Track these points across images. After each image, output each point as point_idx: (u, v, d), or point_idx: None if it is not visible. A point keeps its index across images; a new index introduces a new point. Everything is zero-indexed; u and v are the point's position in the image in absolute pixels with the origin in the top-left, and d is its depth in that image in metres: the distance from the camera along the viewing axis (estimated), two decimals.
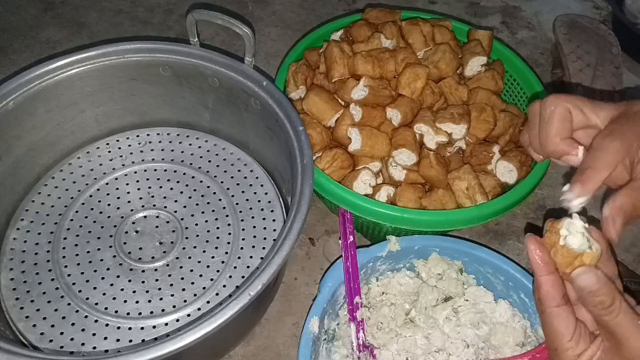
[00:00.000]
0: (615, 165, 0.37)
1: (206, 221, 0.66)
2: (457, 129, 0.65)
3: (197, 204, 0.67)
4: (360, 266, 0.57)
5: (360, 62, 0.66)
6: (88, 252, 0.63)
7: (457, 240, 0.60)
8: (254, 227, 0.66)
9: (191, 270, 0.62)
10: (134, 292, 0.60)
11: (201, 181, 0.70)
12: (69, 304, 0.59)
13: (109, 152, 0.72)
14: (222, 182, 0.70)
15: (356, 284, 0.57)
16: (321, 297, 0.55)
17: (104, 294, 0.60)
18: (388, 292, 0.61)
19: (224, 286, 0.61)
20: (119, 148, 0.73)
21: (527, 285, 0.57)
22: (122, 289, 0.60)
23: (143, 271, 0.62)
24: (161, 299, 0.60)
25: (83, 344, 0.56)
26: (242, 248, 0.64)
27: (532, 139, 0.43)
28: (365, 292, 0.61)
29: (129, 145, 0.73)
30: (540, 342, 0.56)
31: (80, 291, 0.60)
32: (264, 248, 0.64)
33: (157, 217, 0.66)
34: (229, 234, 0.65)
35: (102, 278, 0.61)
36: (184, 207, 0.67)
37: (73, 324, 0.57)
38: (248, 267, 0.62)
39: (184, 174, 0.70)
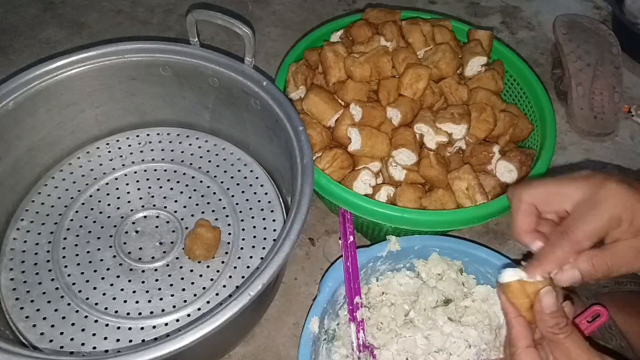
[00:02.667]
0: (560, 264, 0.42)
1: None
2: (457, 129, 0.65)
3: (197, 204, 0.67)
4: (360, 266, 0.57)
5: (354, 67, 0.66)
6: (88, 252, 0.63)
7: (457, 240, 0.60)
8: (254, 227, 0.66)
9: (191, 270, 0.62)
10: (134, 292, 0.60)
11: (201, 181, 0.70)
12: (69, 304, 0.59)
13: (109, 152, 0.72)
14: (222, 182, 0.70)
15: (356, 284, 0.57)
16: (321, 297, 0.55)
17: (104, 294, 0.60)
18: (388, 292, 0.61)
19: (224, 286, 0.61)
20: (119, 148, 0.73)
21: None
22: (122, 289, 0.60)
23: (143, 271, 0.62)
24: (161, 299, 0.60)
25: (83, 344, 0.56)
26: (242, 248, 0.64)
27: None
28: (365, 292, 0.61)
29: (129, 145, 0.73)
30: None
31: (80, 291, 0.60)
32: (264, 248, 0.64)
33: (157, 217, 0.66)
34: (229, 234, 0.65)
35: (102, 278, 0.61)
36: (184, 207, 0.67)
37: (73, 324, 0.57)
38: (248, 267, 0.62)
39: (184, 174, 0.70)
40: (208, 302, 0.60)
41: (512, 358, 0.43)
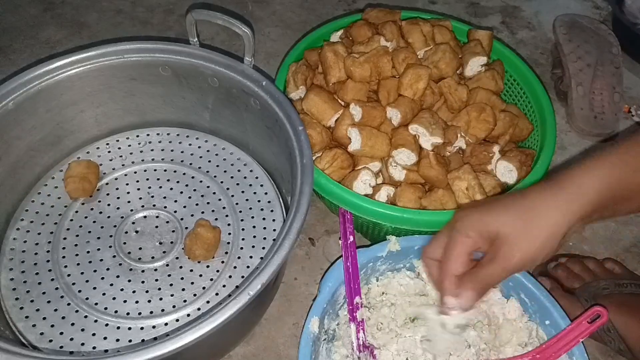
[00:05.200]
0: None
1: None
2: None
3: (197, 204, 0.67)
4: (360, 266, 0.57)
5: (354, 67, 0.66)
6: (88, 252, 0.63)
7: None
8: (254, 227, 0.66)
9: (191, 270, 0.62)
10: (134, 292, 0.60)
11: (201, 181, 0.70)
12: (68, 304, 0.59)
13: (109, 152, 0.72)
14: (222, 182, 0.70)
15: (356, 284, 0.56)
16: (321, 297, 0.55)
17: (104, 294, 0.60)
18: (388, 292, 0.61)
19: (224, 286, 0.61)
20: (119, 148, 0.73)
21: (527, 286, 0.57)
22: (121, 289, 0.60)
23: (143, 271, 0.62)
24: (161, 299, 0.60)
25: (83, 344, 0.56)
26: (242, 248, 0.64)
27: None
28: (365, 292, 0.61)
29: (129, 145, 0.73)
30: (541, 342, 0.56)
31: (80, 291, 0.60)
32: (263, 248, 0.64)
33: (157, 217, 0.66)
34: (229, 234, 0.65)
35: (102, 278, 0.61)
36: (184, 207, 0.67)
37: (73, 324, 0.57)
38: (248, 267, 0.62)
39: (184, 174, 0.70)
40: (208, 302, 0.60)
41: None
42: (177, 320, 0.58)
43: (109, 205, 0.67)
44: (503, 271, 0.46)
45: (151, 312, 0.59)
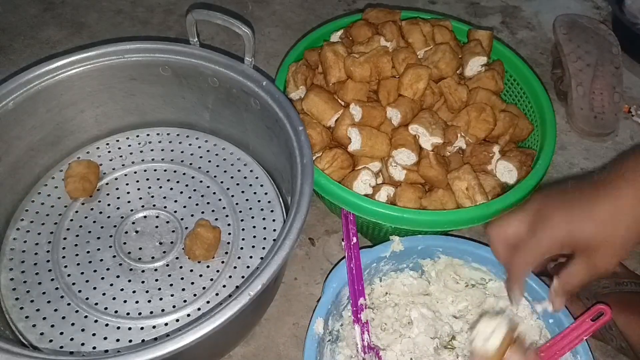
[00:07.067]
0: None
1: None
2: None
3: (197, 204, 0.67)
4: (363, 267, 0.57)
5: (354, 67, 0.66)
6: (88, 252, 0.63)
7: (461, 239, 0.60)
8: (254, 227, 0.66)
9: (191, 270, 0.62)
10: (134, 292, 0.60)
11: (201, 181, 0.70)
12: (68, 304, 0.59)
13: (109, 152, 0.72)
14: (222, 182, 0.70)
15: (360, 285, 0.56)
16: (325, 298, 0.55)
17: (104, 294, 0.60)
18: (392, 293, 0.61)
19: (224, 286, 0.61)
20: (119, 148, 0.73)
21: (530, 285, 0.57)
22: (122, 289, 0.60)
23: (143, 271, 0.62)
24: (161, 299, 0.60)
25: (83, 344, 0.56)
26: (242, 248, 0.64)
27: None
28: (368, 292, 0.61)
29: (129, 145, 0.73)
30: (546, 341, 0.56)
31: (80, 291, 0.60)
32: (264, 248, 0.64)
33: (157, 217, 0.66)
34: (229, 234, 0.65)
35: (102, 278, 0.61)
36: (184, 207, 0.67)
37: (73, 324, 0.57)
38: (248, 267, 0.62)
39: (184, 174, 0.70)
40: (208, 302, 0.60)
41: None
42: (177, 320, 0.58)
43: (109, 205, 0.67)
44: (589, 276, 0.47)
45: (151, 312, 0.59)
